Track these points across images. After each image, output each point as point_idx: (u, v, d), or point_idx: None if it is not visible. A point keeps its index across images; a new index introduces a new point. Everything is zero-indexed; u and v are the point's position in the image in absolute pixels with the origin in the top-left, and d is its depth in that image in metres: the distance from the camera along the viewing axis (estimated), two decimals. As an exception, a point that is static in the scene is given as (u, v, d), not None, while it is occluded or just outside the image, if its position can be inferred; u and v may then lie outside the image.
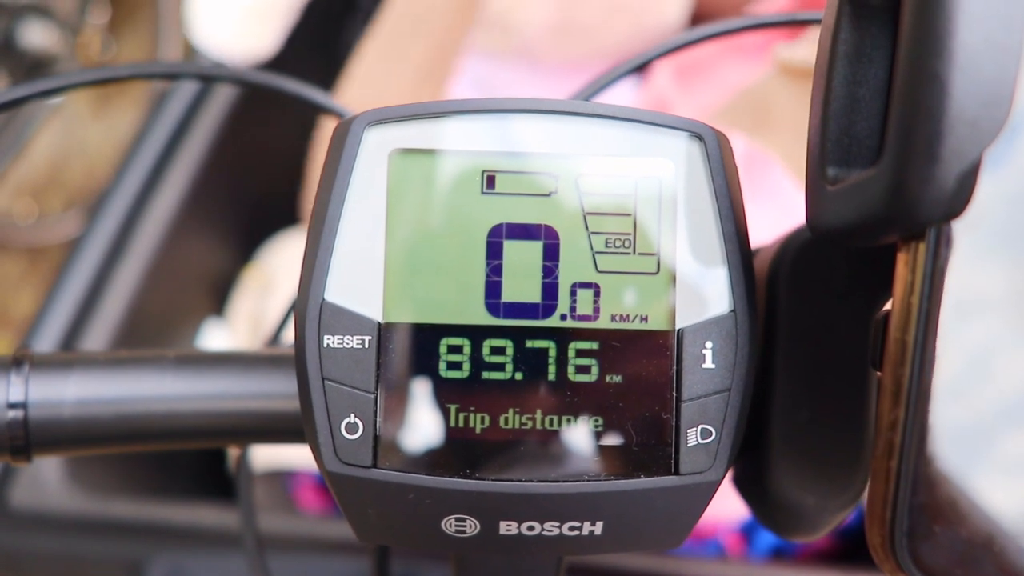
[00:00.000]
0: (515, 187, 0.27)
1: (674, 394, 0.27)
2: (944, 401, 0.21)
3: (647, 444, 0.27)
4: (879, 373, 0.22)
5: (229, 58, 0.99)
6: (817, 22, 0.29)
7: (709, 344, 0.27)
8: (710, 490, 0.27)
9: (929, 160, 0.20)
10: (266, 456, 0.85)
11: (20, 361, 0.31)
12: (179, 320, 0.96)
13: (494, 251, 0.27)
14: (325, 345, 0.27)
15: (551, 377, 0.27)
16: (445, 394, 0.27)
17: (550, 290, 0.27)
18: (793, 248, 0.29)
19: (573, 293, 0.27)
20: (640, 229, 0.28)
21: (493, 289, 0.27)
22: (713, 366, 0.27)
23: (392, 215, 0.27)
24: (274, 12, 1.00)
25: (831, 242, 0.27)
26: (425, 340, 0.27)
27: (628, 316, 0.27)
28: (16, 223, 1.57)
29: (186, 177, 0.93)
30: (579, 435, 0.27)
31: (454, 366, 0.27)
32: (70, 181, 1.63)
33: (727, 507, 0.74)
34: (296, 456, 0.85)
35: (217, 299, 1.01)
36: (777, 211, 0.79)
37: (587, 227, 0.27)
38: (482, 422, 0.27)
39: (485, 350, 0.27)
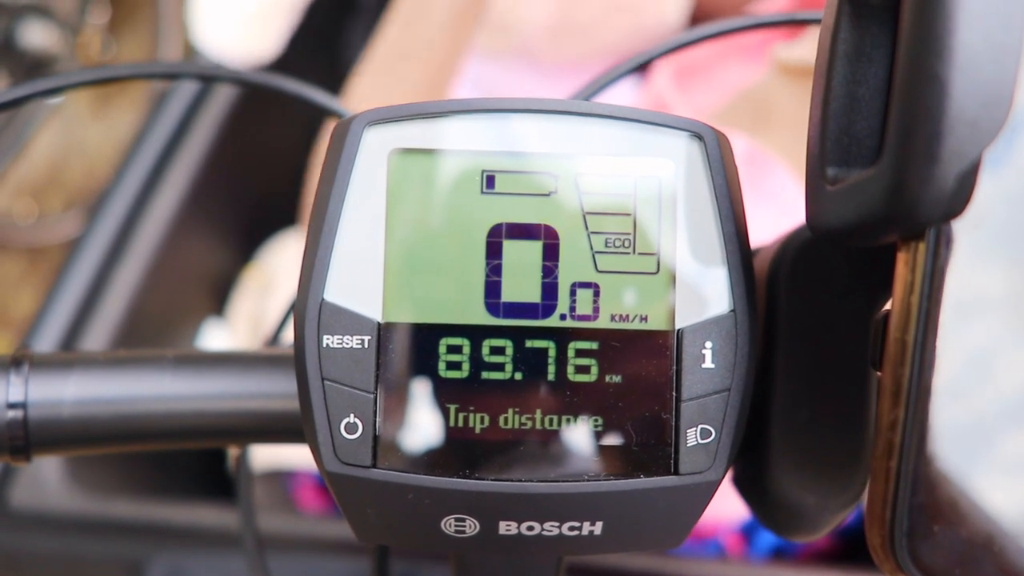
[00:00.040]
0: (515, 187, 0.27)
1: (674, 394, 0.27)
2: (944, 401, 0.21)
3: (647, 444, 0.27)
4: (879, 373, 0.22)
5: (231, 61, 0.99)
6: (817, 22, 0.29)
7: (709, 344, 0.27)
8: (710, 490, 0.27)
9: (929, 160, 0.20)
10: (266, 456, 0.85)
11: (20, 361, 0.31)
12: (179, 320, 0.96)
13: (494, 251, 0.27)
14: (324, 345, 0.27)
15: (551, 377, 0.27)
16: (445, 394, 0.27)
17: (550, 290, 0.27)
18: (793, 248, 0.29)
19: (573, 293, 0.27)
20: (640, 229, 0.27)
21: (493, 289, 0.27)
22: (713, 366, 0.27)
23: (392, 215, 0.27)
24: (276, 15, 1.00)
25: (831, 242, 0.27)
26: (425, 340, 0.27)
27: (628, 316, 0.27)
28: (16, 223, 1.57)
29: (186, 177, 0.93)
30: (579, 435, 0.27)
31: (453, 366, 0.27)
32: (70, 181, 1.63)
33: (727, 507, 0.74)
34: (296, 456, 0.85)
35: (217, 299, 1.01)
36: (779, 211, 0.79)
37: (587, 227, 0.27)
38: (482, 422, 0.27)
39: (485, 350, 0.27)
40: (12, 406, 0.30)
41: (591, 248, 0.27)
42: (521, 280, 0.27)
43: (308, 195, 1.02)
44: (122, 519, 0.73)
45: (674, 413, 0.27)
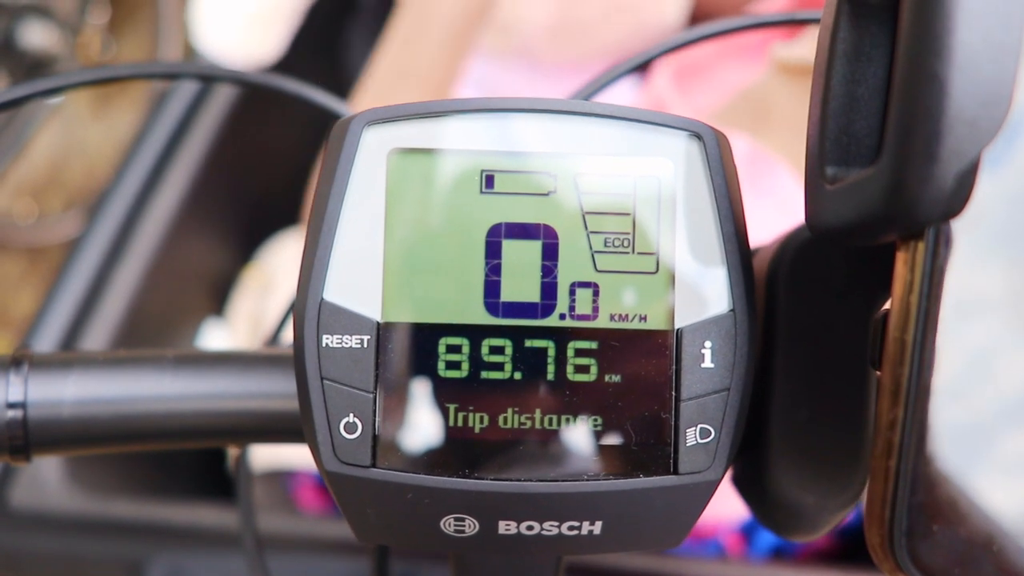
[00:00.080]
0: (514, 186, 0.27)
1: (673, 393, 0.27)
2: (943, 400, 0.21)
3: (646, 443, 0.27)
4: (878, 372, 0.22)
5: (232, 63, 0.99)
6: (816, 21, 0.29)
7: (708, 343, 0.27)
8: (709, 489, 0.27)
9: (928, 159, 0.20)
10: (266, 456, 0.85)
11: (19, 361, 0.31)
12: (179, 320, 0.96)
13: (493, 250, 0.27)
14: (324, 345, 0.27)
15: (550, 377, 0.27)
16: (444, 394, 0.27)
17: (549, 289, 0.27)
18: (792, 247, 0.29)
19: (572, 292, 0.27)
20: (639, 228, 0.27)
21: (492, 288, 0.27)
22: (712, 365, 0.27)
23: (391, 214, 0.27)
24: (277, 17, 1.00)
25: (830, 241, 0.27)
26: (424, 340, 0.27)
27: (627, 315, 0.27)
28: (16, 223, 1.57)
29: (186, 177, 0.93)
30: (578, 435, 0.27)
31: (453, 366, 0.27)
32: (70, 181, 1.63)
33: (727, 507, 0.74)
34: (296, 456, 0.85)
35: (217, 299, 1.01)
36: (778, 210, 0.79)
37: (586, 226, 0.27)
38: (481, 422, 0.27)
39: (484, 350, 0.27)
40: (12, 406, 0.30)
41: (590, 248, 0.27)
42: (520, 280, 0.27)
43: (312, 195, 1.02)
44: (122, 519, 0.73)
45: (673, 413, 0.27)
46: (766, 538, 0.78)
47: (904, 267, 0.21)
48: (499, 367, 0.27)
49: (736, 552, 0.78)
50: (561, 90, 1.01)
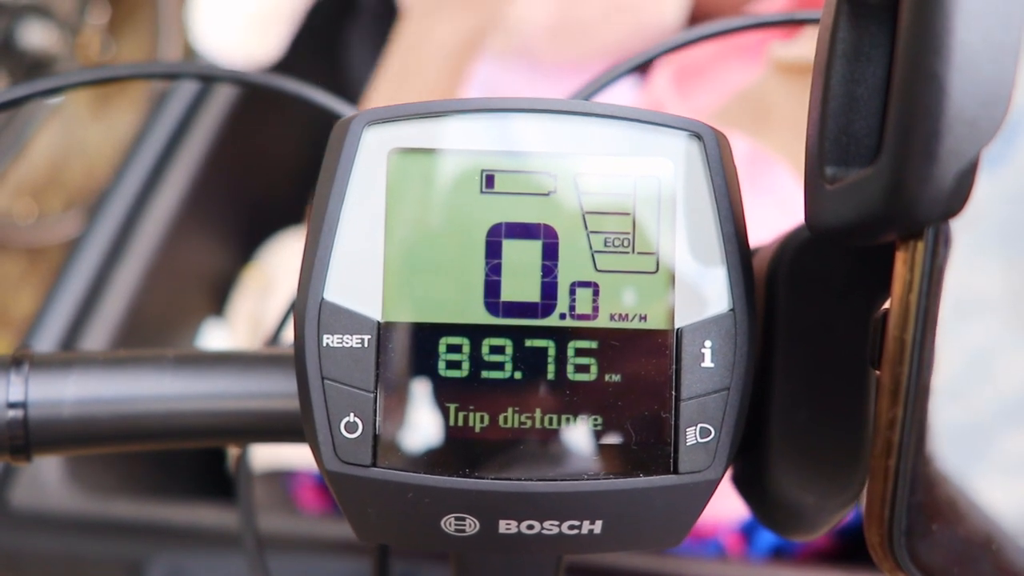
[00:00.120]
0: (514, 186, 0.27)
1: (673, 393, 0.27)
2: (943, 400, 0.21)
3: (646, 443, 0.27)
4: (878, 372, 0.22)
5: (232, 63, 0.99)
6: (815, 21, 0.29)
7: (708, 343, 0.27)
8: (709, 489, 0.27)
9: (927, 159, 0.20)
10: (266, 456, 0.85)
11: (20, 361, 0.31)
12: (179, 320, 0.96)
13: (493, 250, 0.27)
14: (324, 344, 0.27)
15: (550, 376, 0.27)
16: (444, 393, 0.27)
17: (549, 289, 0.27)
18: (792, 247, 0.29)
19: (572, 292, 0.27)
20: (639, 228, 0.28)
21: (492, 288, 0.27)
22: (712, 365, 0.27)
23: (391, 214, 0.27)
24: (277, 18, 1.00)
25: (830, 241, 0.27)
26: (424, 339, 0.27)
27: (627, 315, 0.27)
28: (16, 223, 1.57)
29: (186, 177, 0.93)
30: (578, 434, 0.27)
31: (453, 365, 0.27)
32: (70, 181, 1.63)
33: (727, 507, 0.74)
34: (296, 456, 0.85)
35: (217, 299, 1.01)
36: (778, 210, 0.79)
37: (586, 226, 0.27)
38: (481, 421, 0.27)
39: (484, 349, 0.27)
40: (12, 406, 0.30)
41: (590, 247, 0.27)
42: (520, 279, 0.27)
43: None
44: (122, 519, 0.73)
45: (673, 412, 0.27)
46: (766, 538, 0.78)
47: (903, 267, 0.21)
48: (499, 367, 0.27)
49: (736, 552, 0.78)
50: (561, 90, 1.01)
